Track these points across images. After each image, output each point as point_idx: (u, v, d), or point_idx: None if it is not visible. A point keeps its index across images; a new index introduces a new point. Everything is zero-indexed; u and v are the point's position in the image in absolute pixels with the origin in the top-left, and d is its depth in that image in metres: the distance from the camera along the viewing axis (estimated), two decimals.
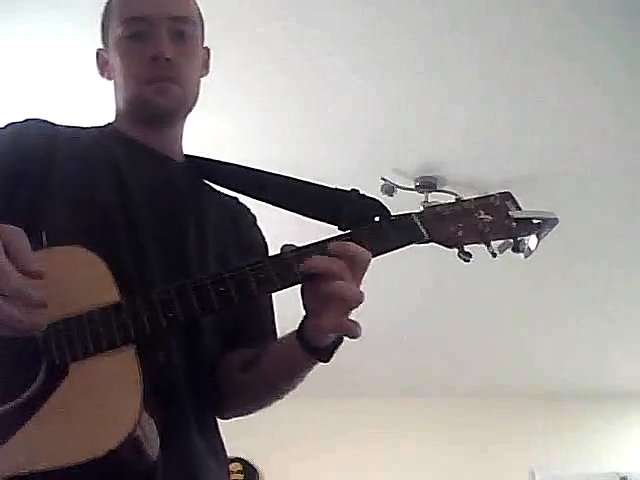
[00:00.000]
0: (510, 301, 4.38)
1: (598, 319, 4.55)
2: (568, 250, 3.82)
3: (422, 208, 1.10)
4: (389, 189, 3.21)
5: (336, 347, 1.04)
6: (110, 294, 0.97)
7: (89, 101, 2.66)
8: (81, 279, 0.98)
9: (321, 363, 1.04)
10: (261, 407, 1.20)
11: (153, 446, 0.93)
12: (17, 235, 0.88)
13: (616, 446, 5.45)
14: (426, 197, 3.28)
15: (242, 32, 2.58)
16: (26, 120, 1.20)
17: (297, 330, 1.04)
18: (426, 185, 3.30)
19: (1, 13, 2.45)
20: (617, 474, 5.33)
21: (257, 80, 2.80)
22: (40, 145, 1.15)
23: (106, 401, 0.91)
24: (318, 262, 0.97)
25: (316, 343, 1.02)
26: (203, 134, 2.87)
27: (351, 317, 0.99)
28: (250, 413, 1.23)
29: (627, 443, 5.50)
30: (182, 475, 1.04)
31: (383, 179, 3.21)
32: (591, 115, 3.00)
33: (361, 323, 1.00)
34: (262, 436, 4.83)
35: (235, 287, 0.97)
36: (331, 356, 1.04)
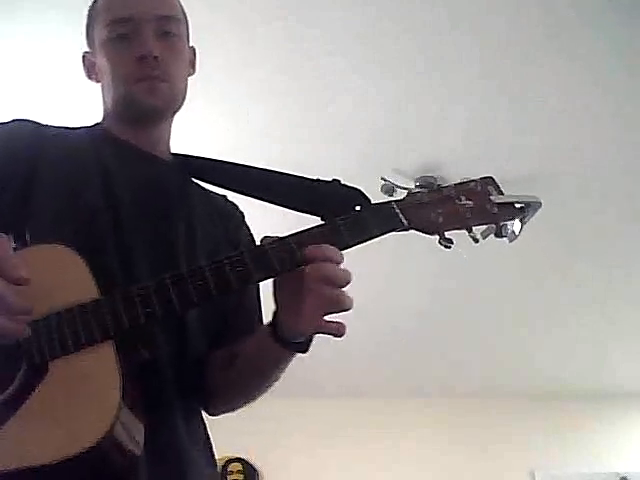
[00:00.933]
0: (510, 301, 4.38)
1: (598, 319, 4.55)
2: (568, 250, 3.82)
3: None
4: (389, 189, 3.21)
5: (312, 338, 1.03)
6: (89, 291, 0.97)
7: (89, 101, 2.66)
8: (60, 277, 0.98)
9: (300, 354, 1.04)
10: (246, 402, 1.20)
11: (137, 440, 0.93)
12: (2, 242, 0.89)
13: (616, 446, 5.45)
14: None
15: (242, 32, 2.58)
16: (13, 120, 1.20)
17: (270, 325, 1.04)
18: (426, 185, 3.30)
19: (1, 13, 2.45)
20: (617, 474, 5.32)
21: (257, 80, 2.80)
22: (27, 146, 1.15)
23: (85, 398, 0.91)
24: (320, 250, 0.97)
25: (295, 339, 1.02)
26: (203, 134, 2.87)
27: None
28: (236, 409, 1.23)
29: (627, 443, 5.49)
30: (167, 469, 1.04)
31: (383, 179, 3.21)
32: (591, 115, 3.00)
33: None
34: (262, 436, 4.83)
35: (213, 280, 0.96)
36: (309, 347, 1.04)
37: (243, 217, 1.33)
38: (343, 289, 0.97)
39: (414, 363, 4.95)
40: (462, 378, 5.22)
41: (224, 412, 1.23)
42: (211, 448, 1.19)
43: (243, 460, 5.15)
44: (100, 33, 1.24)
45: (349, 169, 3.19)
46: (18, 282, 0.87)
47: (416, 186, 3.29)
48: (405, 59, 2.74)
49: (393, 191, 3.22)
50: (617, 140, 3.14)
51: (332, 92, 2.89)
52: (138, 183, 1.18)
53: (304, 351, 1.03)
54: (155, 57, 1.19)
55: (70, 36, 2.53)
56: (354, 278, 0.97)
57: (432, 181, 3.31)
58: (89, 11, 1.29)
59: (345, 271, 0.97)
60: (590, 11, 2.51)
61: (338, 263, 0.98)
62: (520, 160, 3.23)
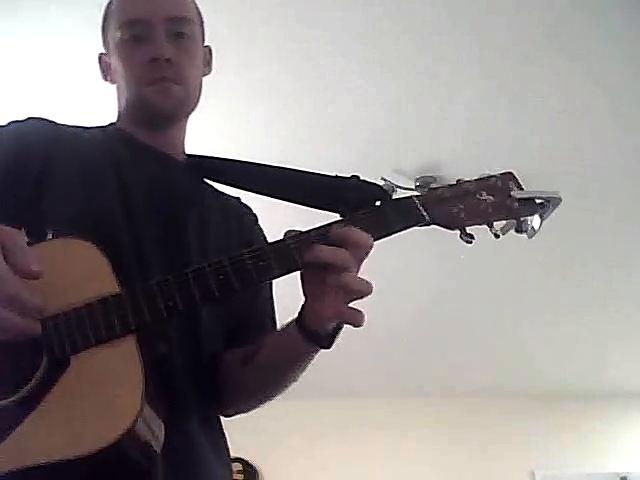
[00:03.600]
0: (510, 301, 4.38)
1: (598, 319, 4.55)
2: (568, 250, 3.82)
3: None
4: (389, 189, 3.20)
5: (337, 333, 1.03)
6: (109, 285, 0.96)
7: (89, 98, 2.66)
8: (80, 271, 0.97)
9: (323, 350, 1.03)
10: (263, 401, 1.19)
11: (157, 437, 0.93)
12: (15, 235, 0.88)
13: (616, 446, 5.45)
14: None
15: (242, 32, 2.58)
16: (28, 119, 1.20)
17: (297, 317, 1.03)
18: (426, 185, 3.30)
19: (1, 11, 2.44)
20: (617, 474, 5.32)
21: (257, 80, 2.80)
22: (42, 144, 1.15)
23: (107, 393, 0.90)
24: (321, 253, 0.96)
25: (317, 329, 1.01)
26: (203, 134, 2.87)
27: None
28: (253, 408, 1.22)
29: (627, 443, 5.49)
30: (182, 468, 1.04)
31: (383, 179, 3.21)
32: (591, 115, 3.00)
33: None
34: (262, 436, 4.83)
35: (235, 274, 0.96)
36: (332, 342, 1.03)
37: (257, 219, 1.34)
38: (355, 274, 0.96)
39: (414, 363, 4.95)
40: (462, 378, 5.22)
41: (238, 412, 1.22)
42: (227, 450, 1.18)
43: (243, 460, 5.15)
44: (113, 34, 1.24)
45: (349, 169, 3.19)
46: (31, 276, 0.86)
47: (416, 186, 3.29)
48: (405, 59, 2.74)
49: (393, 191, 3.22)
50: (617, 140, 3.14)
51: (332, 92, 2.89)
52: (151, 183, 1.19)
53: (327, 346, 1.02)
54: (167, 59, 1.19)
55: (71, 32, 2.53)
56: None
57: (432, 181, 3.31)
58: (104, 12, 1.29)
59: (344, 254, 0.96)
60: (591, 10, 2.51)
61: (365, 246, 0.97)
62: (520, 160, 3.23)
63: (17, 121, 1.19)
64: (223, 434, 1.18)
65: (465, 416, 5.39)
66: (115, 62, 1.25)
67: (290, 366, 1.10)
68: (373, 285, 0.96)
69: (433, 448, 5.29)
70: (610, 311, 4.47)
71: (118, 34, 1.23)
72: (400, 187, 3.24)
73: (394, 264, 3.71)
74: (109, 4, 1.29)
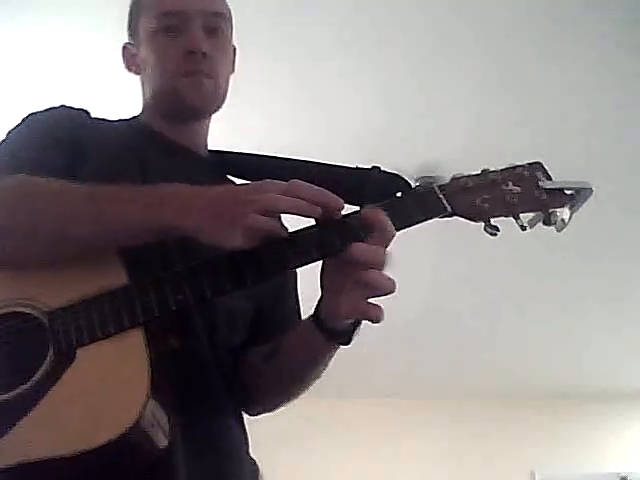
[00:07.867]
0: (510, 300, 4.38)
1: (598, 319, 4.55)
2: (568, 250, 3.82)
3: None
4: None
5: (356, 329, 1.00)
6: (118, 277, 0.94)
7: (88, 92, 2.66)
8: (89, 262, 0.96)
9: (342, 346, 1.01)
10: (288, 399, 1.18)
11: (164, 432, 0.91)
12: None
13: (616, 446, 5.45)
14: None
15: (242, 32, 2.57)
16: (61, 106, 1.19)
17: (314, 314, 1.01)
18: (426, 185, 3.30)
19: (1, 8, 2.44)
20: (617, 474, 5.32)
21: (258, 81, 2.80)
22: (78, 129, 1.14)
23: (112, 387, 0.88)
24: (366, 251, 0.93)
25: (335, 325, 0.98)
26: None
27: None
28: (276, 408, 1.21)
29: (627, 443, 5.49)
30: (207, 464, 1.02)
31: None
32: (592, 115, 3.00)
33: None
34: (262, 436, 4.81)
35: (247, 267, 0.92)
36: (351, 338, 1.00)
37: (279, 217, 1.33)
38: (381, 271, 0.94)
39: (414, 363, 4.95)
40: (462, 378, 5.22)
41: (263, 412, 1.21)
42: (248, 444, 1.15)
43: None
44: (147, 24, 1.22)
45: None
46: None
47: (416, 186, 3.29)
48: (406, 59, 2.74)
49: None
50: (618, 141, 3.14)
51: (332, 92, 2.89)
52: (173, 177, 1.17)
53: (346, 342, 1.00)
54: (203, 53, 1.18)
55: (70, 29, 2.52)
56: None
57: (432, 181, 3.30)
58: (134, 3, 1.27)
59: (381, 253, 0.94)
60: (596, 9, 2.50)
61: (392, 233, 0.96)
62: (520, 160, 3.22)
63: (50, 108, 1.18)
64: (245, 429, 1.16)
65: (465, 416, 5.39)
66: (145, 53, 1.22)
67: (310, 364, 1.08)
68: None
69: (433, 448, 5.30)
70: (610, 311, 4.47)
71: (153, 24, 1.21)
72: None
73: (395, 264, 3.71)
74: None
